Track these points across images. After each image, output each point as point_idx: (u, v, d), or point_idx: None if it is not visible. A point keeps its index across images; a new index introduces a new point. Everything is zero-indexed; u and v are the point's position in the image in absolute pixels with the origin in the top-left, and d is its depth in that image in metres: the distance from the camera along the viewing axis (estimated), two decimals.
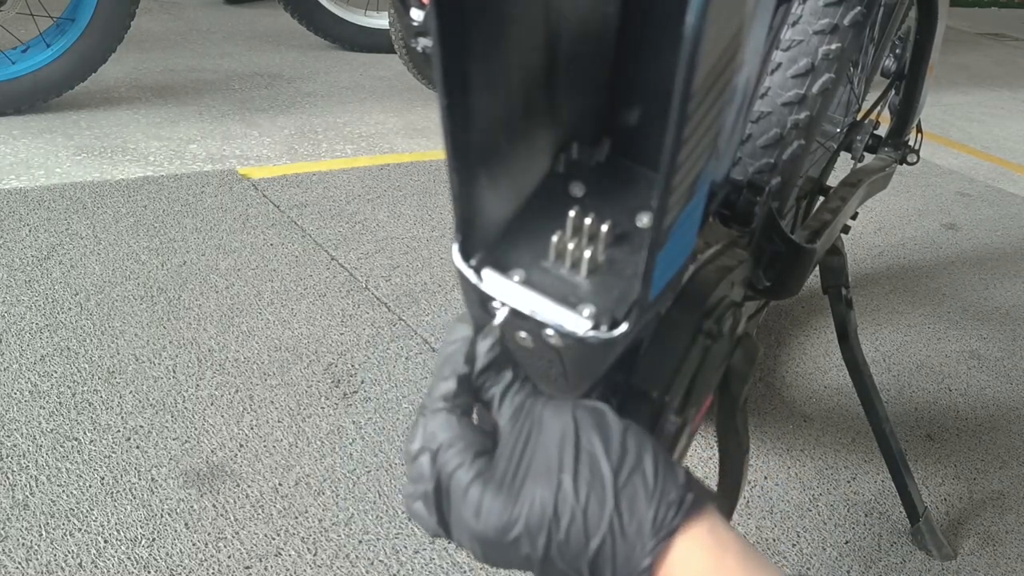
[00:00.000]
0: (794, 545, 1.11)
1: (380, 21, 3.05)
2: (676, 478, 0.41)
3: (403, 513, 1.06)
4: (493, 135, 0.41)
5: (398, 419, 1.22)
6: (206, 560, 0.95)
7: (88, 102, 2.22)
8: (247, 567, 0.95)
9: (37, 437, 1.09)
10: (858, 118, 1.14)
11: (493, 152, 0.42)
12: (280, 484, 1.07)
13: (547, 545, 0.41)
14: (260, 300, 1.45)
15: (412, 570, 0.98)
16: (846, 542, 1.13)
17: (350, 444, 1.16)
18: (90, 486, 1.03)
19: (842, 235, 1.11)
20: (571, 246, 0.44)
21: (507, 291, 0.44)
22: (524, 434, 0.43)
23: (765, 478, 1.22)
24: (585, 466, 0.41)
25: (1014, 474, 1.31)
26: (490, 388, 0.45)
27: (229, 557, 0.96)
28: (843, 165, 1.19)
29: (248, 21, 3.36)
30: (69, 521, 0.98)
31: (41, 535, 0.95)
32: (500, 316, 0.44)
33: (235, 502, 1.04)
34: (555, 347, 0.45)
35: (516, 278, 0.44)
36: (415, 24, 2.05)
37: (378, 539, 1.02)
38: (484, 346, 0.45)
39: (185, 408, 1.18)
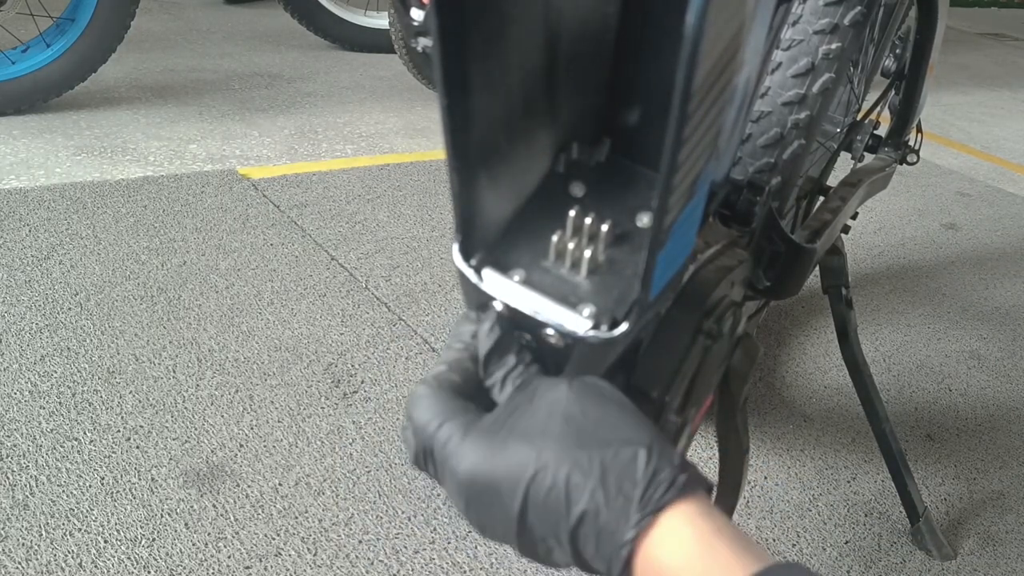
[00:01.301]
0: (794, 545, 1.11)
1: (380, 21, 3.04)
2: (671, 459, 0.40)
3: (403, 513, 1.06)
4: (493, 135, 0.41)
5: (398, 419, 1.22)
6: (206, 560, 0.95)
7: (88, 102, 2.22)
8: (247, 567, 0.95)
9: (37, 437, 1.09)
10: (858, 118, 1.14)
11: (493, 152, 0.42)
12: (280, 484, 1.07)
13: (523, 506, 0.40)
14: (260, 300, 1.45)
15: (412, 570, 0.98)
16: (846, 542, 1.13)
17: (350, 444, 1.16)
18: (90, 486, 1.03)
19: (842, 235, 1.11)
20: (571, 246, 0.44)
21: (507, 291, 0.44)
22: (517, 403, 0.43)
23: (765, 478, 1.22)
24: (572, 436, 0.40)
25: (1014, 474, 1.31)
26: (493, 373, 0.45)
27: (229, 557, 0.96)
28: (843, 165, 1.19)
29: (248, 21, 3.36)
30: (69, 521, 0.98)
31: (41, 535, 0.95)
32: (497, 306, 0.44)
33: (235, 502, 1.04)
34: (556, 346, 0.45)
35: (516, 278, 0.44)
36: (415, 24, 2.05)
37: (378, 539, 1.02)
38: (484, 329, 0.45)
39: (185, 408, 1.18)
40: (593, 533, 0.39)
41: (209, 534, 0.99)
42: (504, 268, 0.45)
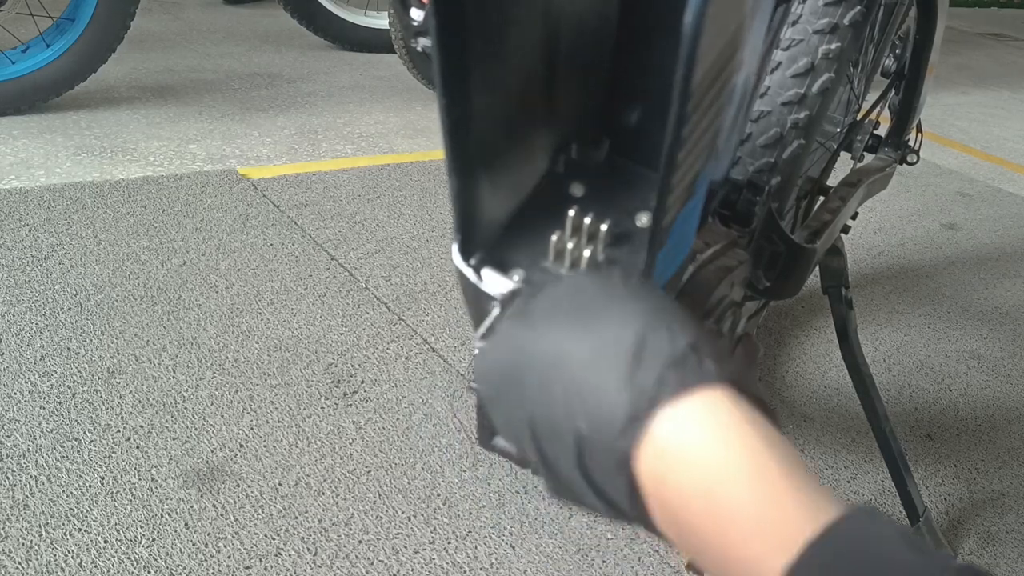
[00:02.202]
0: None
1: (380, 21, 3.04)
2: (694, 343, 0.36)
3: (403, 513, 1.06)
4: (493, 135, 0.41)
5: (398, 419, 1.22)
6: (206, 560, 0.95)
7: (88, 102, 2.22)
8: (247, 567, 0.95)
9: (37, 437, 1.09)
10: (858, 118, 1.14)
11: (493, 152, 0.42)
12: (280, 484, 1.07)
13: (542, 392, 0.37)
14: (260, 300, 1.45)
15: (412, 570, 0.98)
16: None
17: (350, 444, 1.16)
18: (90, 486, 1.03)
19: (842, 235, 1.11)
20: (570, 246, 0.44)
21: (507, 291, 0.44)
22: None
23: None
24: (591, 321, 0.37)
25: (1014, 474, 1.31)
26: None
27: (229, 557, 0.96)
28: (843, 165, 1.19)
29: (248, 21, 3.36)
30: (69, 521, 0.98)
31: (41, 535, 0.95)
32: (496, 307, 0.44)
33: (235, 502, 1.04)
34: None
35: (516, 278, 0.44)
36: (415, 24, 2.05)
37: (378, 539, 1.02)
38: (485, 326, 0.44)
39: (185, 408, 1.18)
40: (607, 417, 0.35)
41: (209, 534, 0.99)
42: (504, 268, 0.45)
